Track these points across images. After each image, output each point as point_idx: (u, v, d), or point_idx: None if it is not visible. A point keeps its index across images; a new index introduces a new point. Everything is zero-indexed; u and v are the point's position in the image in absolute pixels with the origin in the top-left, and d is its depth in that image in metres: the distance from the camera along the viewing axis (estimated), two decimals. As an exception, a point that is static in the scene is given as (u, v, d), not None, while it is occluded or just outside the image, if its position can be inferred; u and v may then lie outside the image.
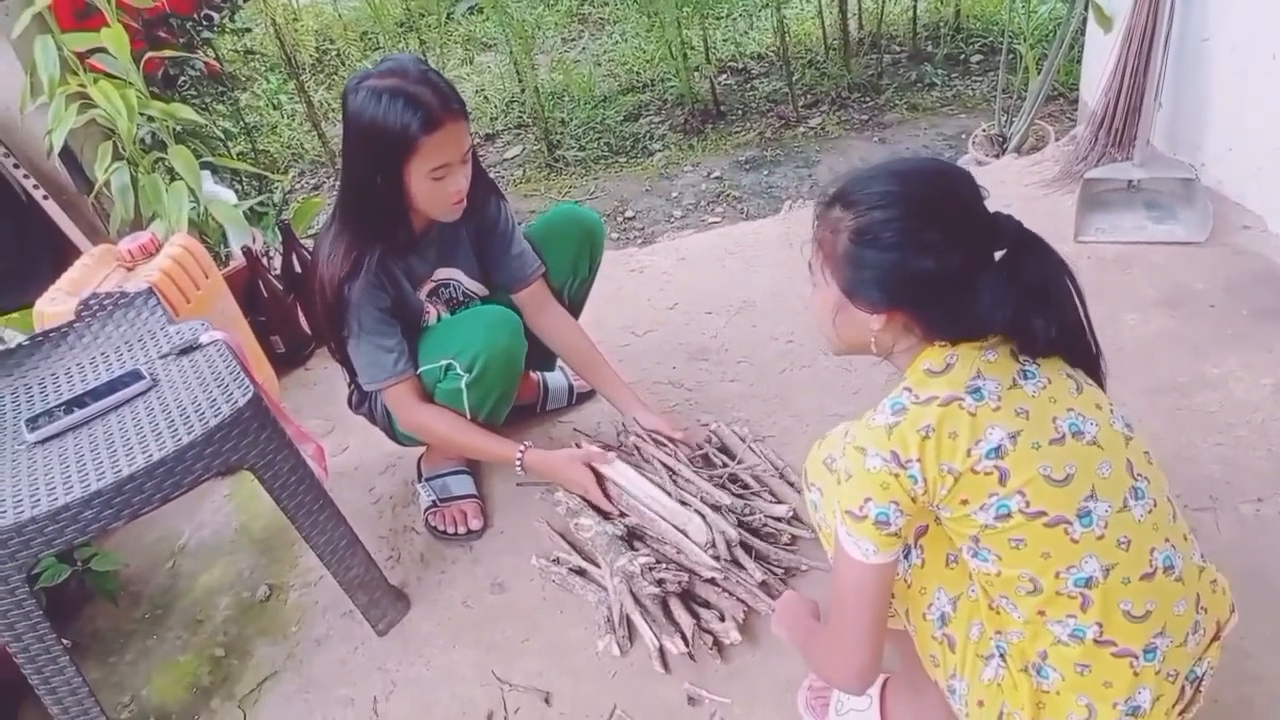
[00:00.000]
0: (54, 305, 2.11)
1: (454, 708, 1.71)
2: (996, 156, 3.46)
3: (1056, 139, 3.29)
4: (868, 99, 4.57)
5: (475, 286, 2.03)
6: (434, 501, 2.09)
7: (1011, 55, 3.62)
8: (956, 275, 1.10)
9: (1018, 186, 2.96)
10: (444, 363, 1.84)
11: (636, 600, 1.71)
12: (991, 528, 1.11)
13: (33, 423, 1.63)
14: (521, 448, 1.91)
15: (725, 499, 1.83)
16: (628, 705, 1.65)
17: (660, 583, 1.70)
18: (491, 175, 4.37)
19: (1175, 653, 1.13)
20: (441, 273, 1.97)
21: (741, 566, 1.75)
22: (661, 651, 1.68)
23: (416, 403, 1.88)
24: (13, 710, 1.86)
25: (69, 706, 1.61)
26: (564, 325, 2.09)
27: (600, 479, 1.88)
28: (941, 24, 4.96)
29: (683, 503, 1.82)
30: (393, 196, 1.73)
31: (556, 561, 1.92)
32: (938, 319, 1.14)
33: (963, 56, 4.73)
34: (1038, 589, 1.11)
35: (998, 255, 1.13)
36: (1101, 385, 1.22)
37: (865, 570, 1.13)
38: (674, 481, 1.88)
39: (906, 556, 1.24)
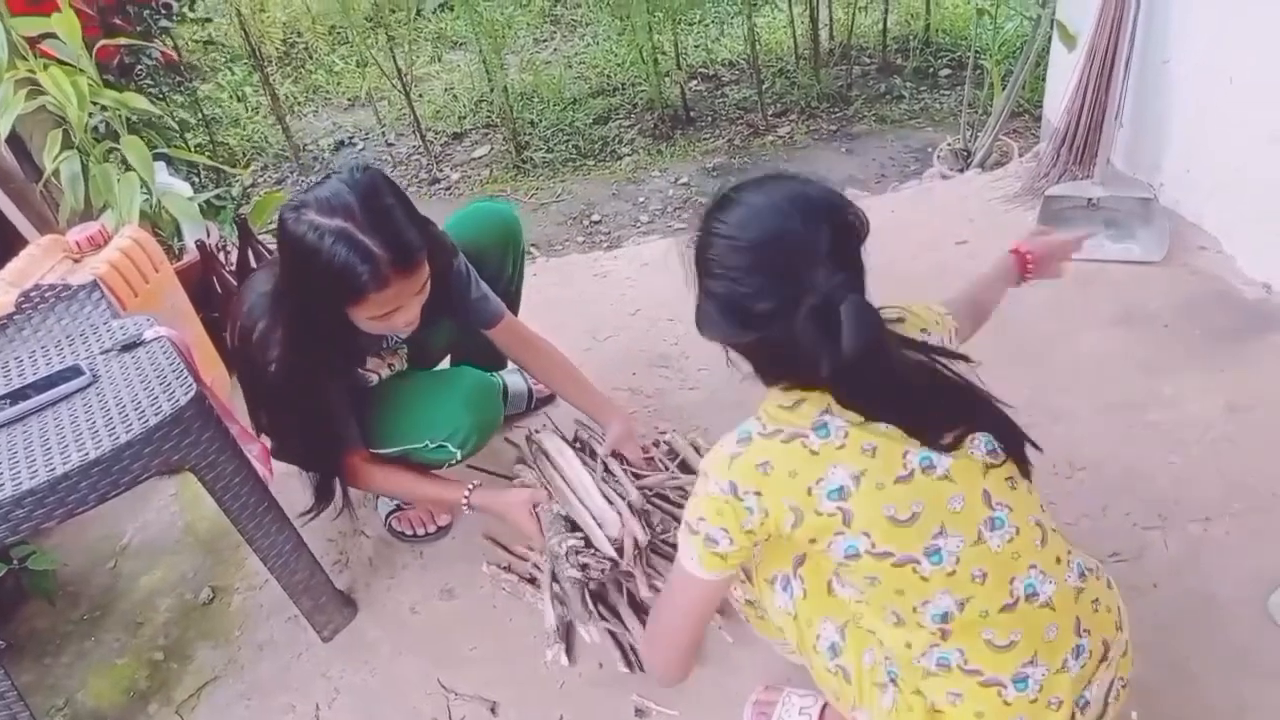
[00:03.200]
0: (-5, 296, 2.04)
1: (398, 717, 1.68)
2: (961, 171, 3.48)
3: (1020, 155, 3.32)
4: (836, 109, 4.59)
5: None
6: (398, 505, 2.05)
7: (978, 71, 3.65)
8: (766, 321, 1.04)
9: (980, 201, 2.98)
10: (432, 444, 1.79)
11: (555, 579, 1.70)
12: (845, 564, 1.11)
13: (12, 398, 1.57)
14: (468, 489, 1.82)
15: (648, 510, 1.84)
16: (575, 716, 1.62)
17: (584, 568, 1.69)
18: (458, 175, 4.33)
19: (1054, 679, 1.12)
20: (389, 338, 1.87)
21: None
22: (625, 652, 1.68)
23: (366, 470, 1.82)
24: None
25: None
26: (539, 354, 2.01)
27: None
28: (911, 37, 5.00)
29: (609, 500, 1.81)
30: (333, 320, 1.58)
31: (508, 569, 1.89)
32: (761, 364, 1.12)
33: (931, 70, 4.77)
34: (901, 621, 1.12)
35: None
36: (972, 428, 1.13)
37: (689, 580, 1.18)
38: (605, 481, 1.88)
39: (787, 589, 1.23)
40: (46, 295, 1.89)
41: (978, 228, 2.82)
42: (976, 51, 3.60)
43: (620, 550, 1.72)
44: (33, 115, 2.44)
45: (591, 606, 1.70)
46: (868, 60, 4.97)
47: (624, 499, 1.82)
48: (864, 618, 1.16)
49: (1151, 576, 1.69)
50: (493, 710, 1.66)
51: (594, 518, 1.78)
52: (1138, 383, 2.15)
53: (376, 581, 1.95)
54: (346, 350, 1.73)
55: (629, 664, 1.66)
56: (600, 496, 1.82)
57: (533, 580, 1.86)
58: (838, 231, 1.05)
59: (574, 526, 1.78)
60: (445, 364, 2.12)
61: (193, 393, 1.51)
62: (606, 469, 1.92)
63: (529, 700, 1.67)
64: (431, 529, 2.02)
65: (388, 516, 2.05)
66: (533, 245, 3.72)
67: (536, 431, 2.07)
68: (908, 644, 1.13)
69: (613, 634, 1.70)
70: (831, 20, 4.98)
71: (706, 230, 1.11)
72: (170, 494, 2.27)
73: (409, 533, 2.02)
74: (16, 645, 1.94)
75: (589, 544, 1.74)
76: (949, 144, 3.68)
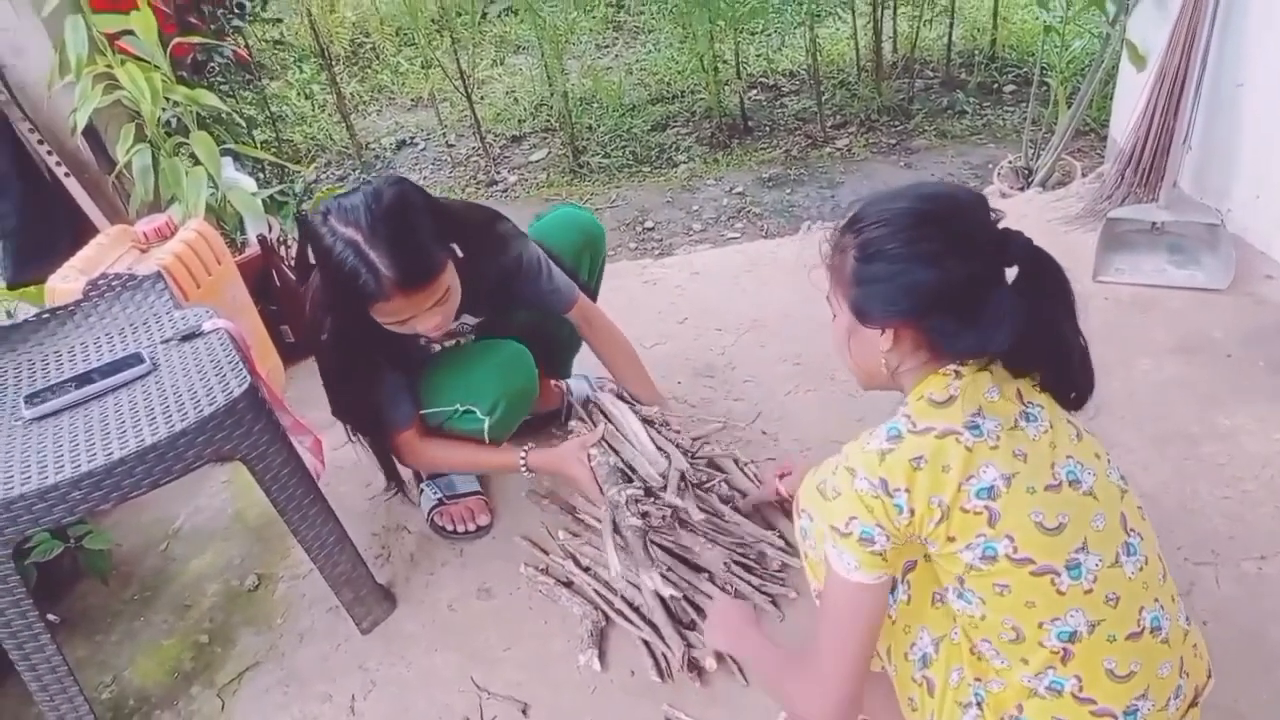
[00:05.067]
0: (66, 282, 2.12)
1: (431, 712, 1.70)
2: (1021, 189, 3.43)
3: (1083, 175, 3.26)
4: (897, 123, 4.54)
5: (474, 322, 1.99)
6: (439, 500, 2.08)
7: (1043, 88, 3.59)
8: (960, 287, 1.09)
9: (1040, 221, 2.93)
10: (461, 408, 1.86)
11: (616, 530, 1.72)
12: (976, 569, 1.08)
13: (31, 399, 1.63)
14: (523, 453, 1.91)
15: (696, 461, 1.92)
16: (604, 722, 1.63)
17: (644, 515, 1.72)
18: (515, 177, 4.37)
19: (1156, 717, 1.10)
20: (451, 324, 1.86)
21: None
22: (656, 661, 1.69)
23: (421, 444, 1.90)
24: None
25: (48, 684, 1.61)
26: (607, 339, 2.10)
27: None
28: (976, 52, 4.94)
29: (660, 448, 1.87)
30: (362, 315, 1.65)
31: (545, 571, 1.91)
32: (941, 332, 1.12)
33: (996, 86, 4.70)
34: (1020, 637, 1.09)
35: (1011, 275, 1.12)
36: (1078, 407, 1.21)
37: (852, 589, 1.11)
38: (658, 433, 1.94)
39: (893, 592, 1.21)
40: (113, 284, 1.95)
41: (1036, 248, 2.76)
42: (1043, 69, 3.54)
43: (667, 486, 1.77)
44: (109, 109, 2.52)
45: (654, 554, 1.74)
46: (930, 74, 4.91)
47: (676, 446, 1.88)
48: (976, 631, 1.13)
49: (1202, 614, 1.65)
50: (524, 711, 1.68)
51: (648, 462, 1.83)
52: (1195, 414, 2.10)
53: (416, 577, 1.98)
54: (388, 338, 1.75)
55: (660, 673, 1.67)
56: (652, 444, 1.87)
57: (569, 584, 1.87)
58: (989, 207, 1.13)
59: (629, 479, 1.81)
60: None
61: (246, 384, 1.55)
62: (657, 427, 1.97)
63: (560, 704, 1.67)
64: (472, 527, 2.05)
65: (430, 512, 2.08)
66: (585, 250, 3.74)
67: (596, 390, 2.14)
68: (1024, 660, 1.10)
69: (646, 643, 1.71)
70: (895, 33, 4.93)
71: (861, 222, 1.15)
72: (222, 481, 2.33)
73: (449, 528, 2.05)
74: (70, 622, 2.00)
75: (649, 493, 1.77)
76: (1010, 162, 3.63)
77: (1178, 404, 2.13)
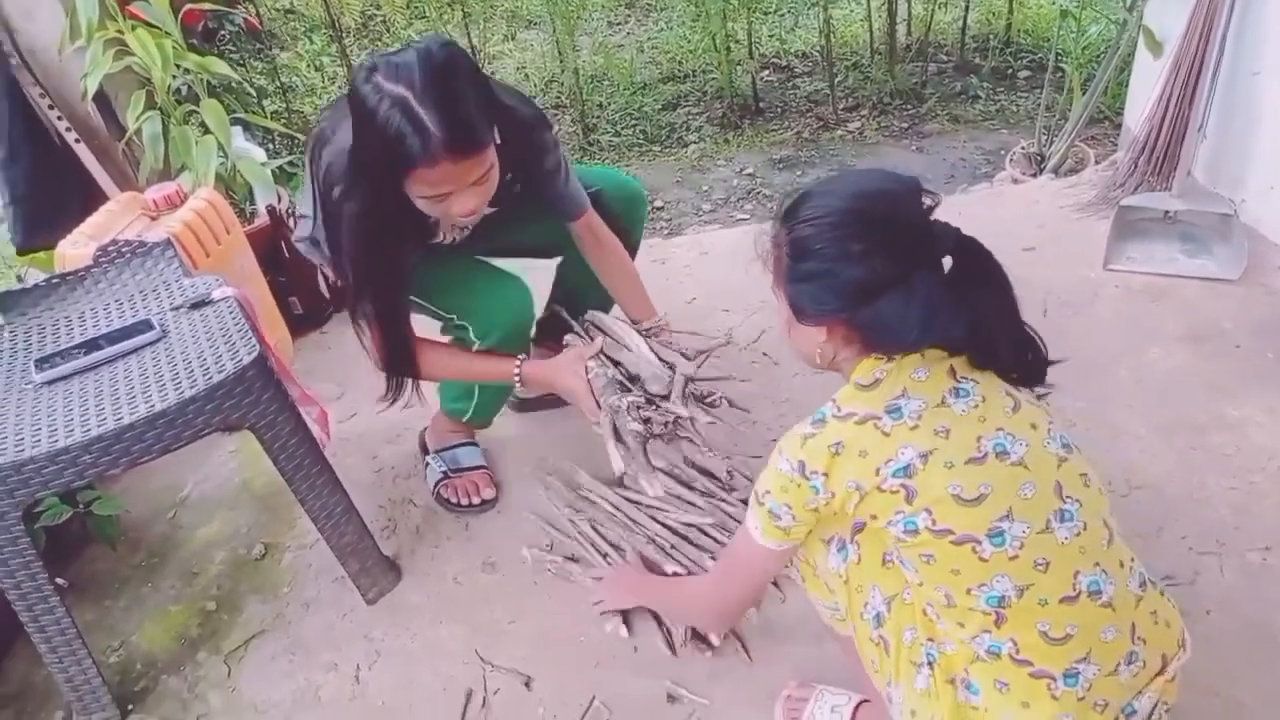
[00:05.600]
0: (76, 248, 2.12)
1: (435, 683, 1.71)
2: (1033, 175, 3.41)
3: (1096, 163, 3.24)
4: (909, 107, 4.51)
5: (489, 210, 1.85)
6: (444, 474, 2.09)
7: (1058, 74, 3.56)
8: (886, 284, 1.11)
9: (1051, 208, 2.92)
10: (457, 319, 1.84)
11: (617, 435, 1.70)
12: (903, 541, 1.13)
13: (42, 364, 1.64)
14: (517, 362, 1.84)
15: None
16: (607, 697, 1.64)
17: (646, 421, 1.71)
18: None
19: (1104, 682, 1.11)
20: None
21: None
22: (669, 635, 1.71)
23: (424, 341, 1.83)
24: (2, 650, 1.88)
25: (57, 646, 1.63)
26: (608, 254, 1.98)
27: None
28: (991, 36, 4.90)
29: (659, 357, 1.85)
30: (396, 189, 1.54)
31: (550, 548, 1.92)
32: (870, 328, 1.15)
33: (1010, 71, 4.66)
34: (951, 602, 1.12)
35: (947, 265, 1.14)
36: (1032, 385, 1.23)
37: (753, 545, 1.25)
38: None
39: (843, 552, 1.25)
40: (123, 250, 1.95)
41: (1047, 234, 2.75)
42: (1058, 54, 3.51)
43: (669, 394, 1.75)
44: (119, 75, 2.51)
45: (653, 462, 1.71)
46: (945, 58, 4.88)
47: (680, 354, 1.86)
48: (918, 596, 1.16)
49: (1205, 603, 1.65)
50: (527, 685, 1.69)
51: (650, 370, 1.80)
52: (1203, 404, 2.09)
53: (421, 550, 1.99)
54: (417, 220, 1.68)
55: (670, 645, 1.69)
56: (651, 352, 1.84)
57: (574, 559, 1.88)
58: (922, 197, 1.15)
59: (626, 390, 1.78)
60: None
61: (256, 353, 1.55)
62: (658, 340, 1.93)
63: (564, 678, 1.69)
64: (477, 500, 2.05)
65: (435, 485, 2.08)
66: (594, 228, 3.74)
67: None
68: (960, 624, 1.13)
69: (655, 615, 1.72)
70: (910, 16, 4.89)
71: (794, 219, 1.17)
72: (230, 450, 2.33)
73: (455, 501, 2.06)
74: (78, 586, 2.01)
75: (649, 402, 1.75)
76: (1023, 148, 3.60)
77: (1186, 393, 2.13)
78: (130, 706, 1.75)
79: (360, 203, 1.57)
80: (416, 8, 6.00)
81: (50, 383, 1.61)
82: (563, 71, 4.80)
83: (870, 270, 1.11)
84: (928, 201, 1.16)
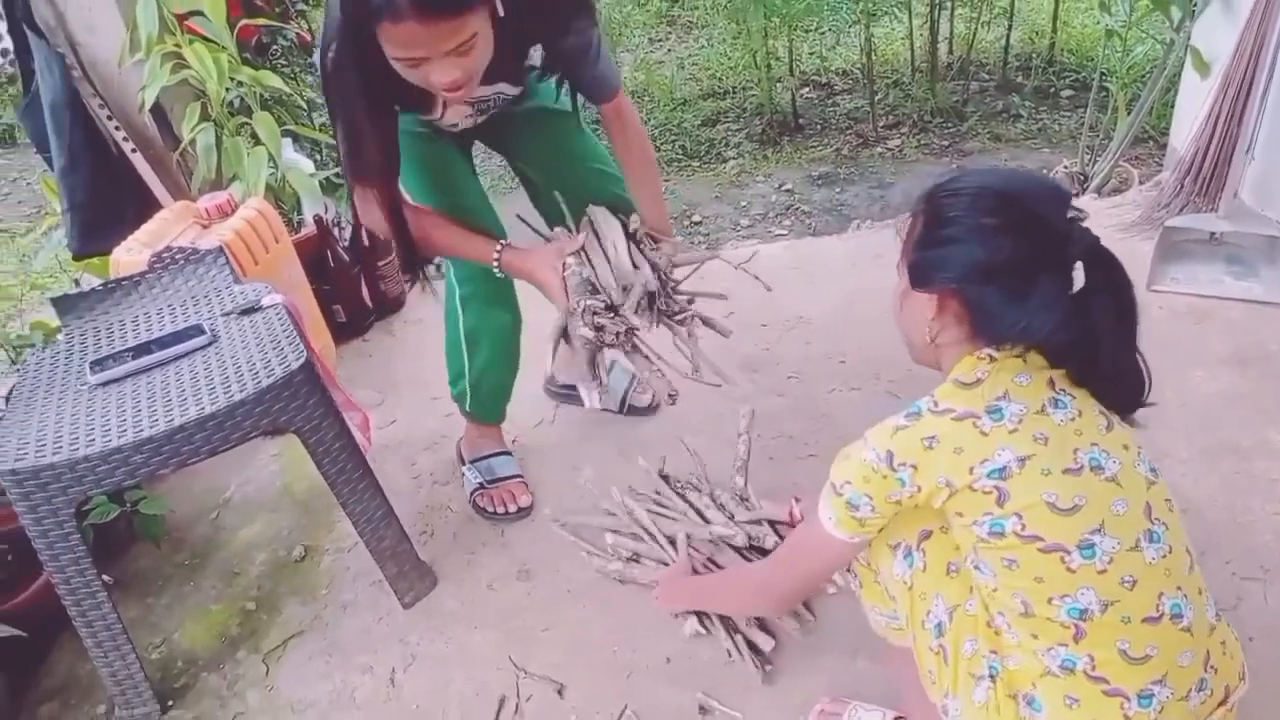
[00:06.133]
0: (130, 254, 2.18)
1: (469, 688, 1.73)
2: (1076, 195, 3.38)
3: (1140, 183, 3.21)
4: (950, 125, 4.50)
5: (515, 91, 1.80)
6: (481, 484, 2.12)
7: (1103, 93, 3.54)
8: (1012, 266, 1.11)
9: (1095, 227, 2.88)
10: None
11: (566, 337, 1.68)
12: (986, 542, 1.11)
13: (97, 365, 1.69)
14: (497, 248, 1.77)
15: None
16: (639, 707, 1.65)
17: (599, 329, 1.68)
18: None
19: (1175, 706, 1.09)
20: (481, 90, 1.69)
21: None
22: (752, 646, 1.69)
23: (418, 208, 1.78)
24: (49, 643, 1.93)
25: (103, 641, 1.67)
26: (630, 146, 1.86)
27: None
28: (1034, 55, 4.87)
29: (636, 265, 1.76)
30: (373, 47, 1.41)
31: (610, 554, 1.92)
32: (983, 308, 1.14)
33: (1053, 90, 4.63)
34: (1029, 612, 1.10)
35: (1078, 269, 1.13)
36: (1124, 416, 1.21)
37: (824, 535, 1.22)
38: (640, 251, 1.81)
39: (909, 559, 1.24)
40: (176, 257, 2.01)
41: (1089, 255, 2.73)
42: (1102, 74, 3.49)
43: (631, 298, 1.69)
44: (175, 87, 2.58)
45: (599, 373, 1.73)
46: (986, 76, 4.86)
47: (653, 266, 1.77)
48: (992, 603, 1.15)
49: (1249, 629, 1.62)
50: (560, 692, 1.70)
51: (615, 276, 1.73)
52: (1248, 428, 2.06)
53: (457, 556, 2.01)
54: (411, 89, 1.53)
55: (702, 625, 1.72)
56: (629, 258, 1.75)
57: (636, 558, 1.90)
58: (1069, 204, 1.14)
59: (595, 292, 1.72)
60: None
61: (303, 359, 1.59)
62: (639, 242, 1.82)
63: (597, 687, 1.69)
64: (513, 509, 2.07)
65: (472, 494, 2.11)
66: (632, 242, 3.76)
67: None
68: (1034, 635, 1.11)
69: (724, 623, 1.71)
70: (952, 34, 4.88)
71: (940, 190, 1.19)
72: (272, 454, 2.38)
73: (490, 509, 2.08)
74: (123, 583, 2.06)
75: (612, 308, 1.69)
76: (1065, 166, 3.58)
77: (1230, 417, 2.10)
78: (170, 702, 1.78)
79: (339, 56, 1.48)
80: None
81: (104, 384, 1.66)
82: (604, 87, 4.85)
83: (998, 248, 1.11)
84: (1073, 213, 1.14)
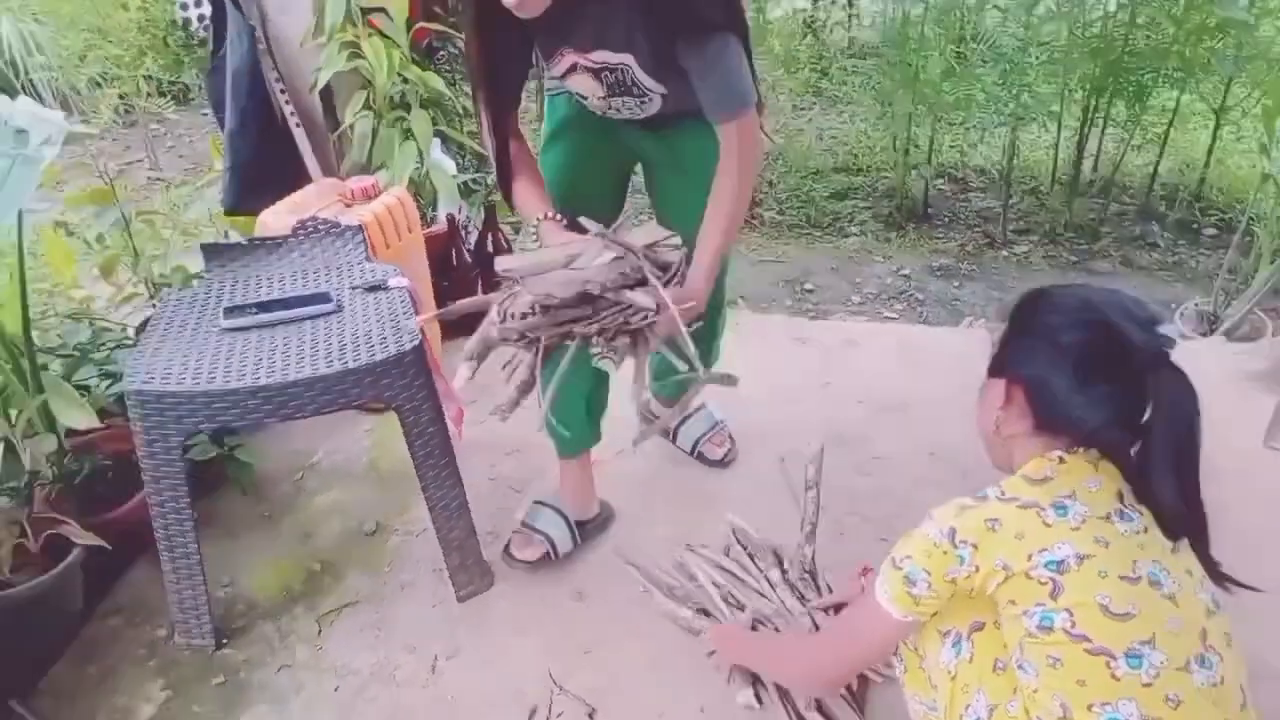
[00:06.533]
0: (276, 218, 2.32)
1: (503, 691, 1.75)
2: (1204, 335, 3.28)
3: (1274, 334, 3.09)
4: (1082, 241, 4.42)
5: (653, 84, 1.68)
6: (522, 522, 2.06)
7: (1248, 238, 3.44)
8: (1073, 360, 1.18)
9: (1218, 371, 2.79)
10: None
11: (484, 340, 1.55)
12: (1033, 637, 1.10)
13: (229, 312, 1.80)
14: (544, 215, 1.73)
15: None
16: (666, 747, 1.65)
17: (524, 332, 1.51)
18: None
19: None
20: (601, 54, 1.63)
21: None
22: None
23: (518, 144, 1.78)
24: (127, 562, 2.04)
25: (179, 568, 1.76)
26: (723, 175, 1.66)
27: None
28: (1182, 187, 4.75)
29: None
30: None
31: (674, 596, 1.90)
32: (1042, 395, 1.20)
33: (1195, 225, 4.51)
34: (1067, 716, 1.08)
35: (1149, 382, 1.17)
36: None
37: (879, 612, 1.23)
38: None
39: (957, 648, 1.23)
40: (318, 227, 2.12)
41: (1207, 397, 2.64)
42: (1251, 218, 3.39)
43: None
44: (347, 74, 2.75)
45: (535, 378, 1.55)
46: (1128, 200, 4.76)
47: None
48: (1032, 705, 1.12)
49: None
50: (590, 716, 1.71)
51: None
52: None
53: (516, 565, 2.05)
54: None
55: (757, 697, 1.67)
56: (598, 256, 1.58)
57: (707, 612, 1.87)
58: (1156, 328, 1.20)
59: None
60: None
61: (417, 341, 1.67)
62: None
63: (627, 718, 1.70)
64: (520, 555, 2.00)
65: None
66: (740, 296, 3.80)
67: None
68: None
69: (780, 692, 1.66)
70: (1099, 151, 4.81)
71: (1032, 294, 1.30)
72: (365, 429, 2.47)
73: (510, 549, 2.02)
74: (205, 521, 2.14)
75: (545, 309, 1.52)
76: (1197, 304, 3.47)
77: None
78: (225, 640, 1.86)
79: None
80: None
81: (232, 330, 1.77)
82: (741, 144, 4.93)
83: (1067, 344, 1.18)
84: (1152, 333, 1.18)
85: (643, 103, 1.73)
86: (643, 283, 1.55)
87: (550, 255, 1.61)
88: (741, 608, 1.84)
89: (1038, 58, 4.22)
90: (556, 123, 1.90)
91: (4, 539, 1.73)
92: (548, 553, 2.01)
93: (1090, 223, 4.51)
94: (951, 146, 5.24)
